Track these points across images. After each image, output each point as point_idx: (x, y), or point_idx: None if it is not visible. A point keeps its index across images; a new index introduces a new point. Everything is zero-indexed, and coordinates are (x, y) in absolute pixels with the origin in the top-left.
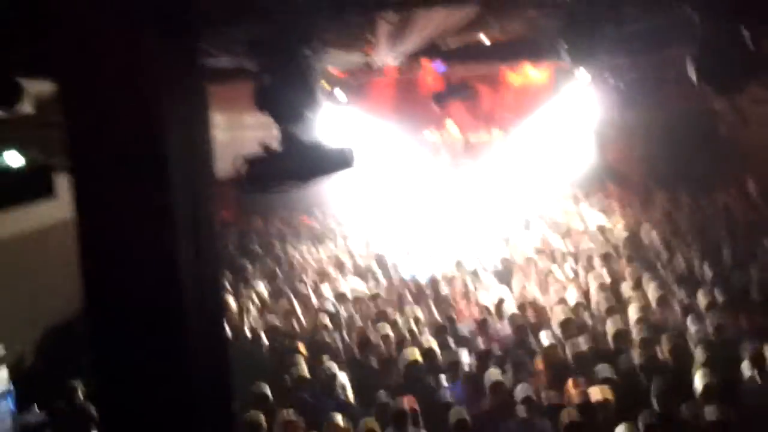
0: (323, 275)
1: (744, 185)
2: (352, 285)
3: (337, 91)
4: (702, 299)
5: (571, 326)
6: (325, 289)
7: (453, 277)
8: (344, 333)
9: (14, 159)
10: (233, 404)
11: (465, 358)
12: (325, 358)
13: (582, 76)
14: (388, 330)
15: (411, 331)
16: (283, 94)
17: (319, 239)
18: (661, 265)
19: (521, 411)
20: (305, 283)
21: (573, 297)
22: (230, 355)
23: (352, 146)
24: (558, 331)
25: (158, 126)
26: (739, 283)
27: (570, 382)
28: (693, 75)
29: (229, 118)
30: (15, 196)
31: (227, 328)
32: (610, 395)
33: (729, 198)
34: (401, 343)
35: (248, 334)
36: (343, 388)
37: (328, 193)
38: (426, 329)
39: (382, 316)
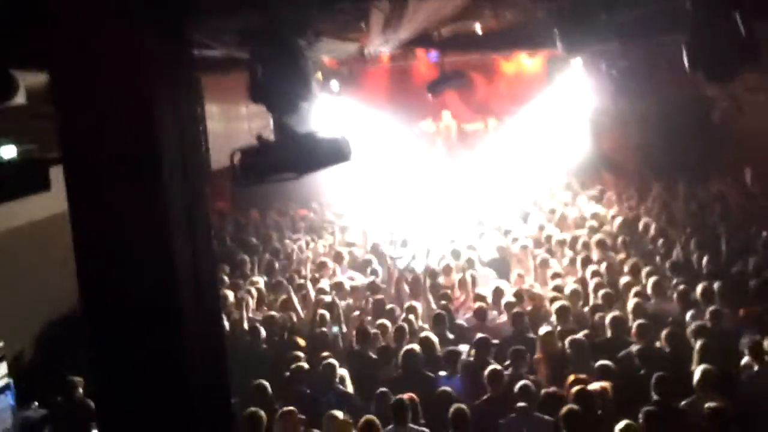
0: (321, 267)
1: (739, 173)
2: (350, 277)
3: (332, 81)
4: (699, 288)
5: (568, 316)
6: (324, 281)
7: (450, 267)
8: (343, 325)
9: (8, 151)
10: (231, 402)
11: (463, 348)
12: (324, 350)
13: (576, 64)
14: (386, 321)
15: (409, 321)
16: (277, 84)
17: (316, 231)
18: (657, 254)
19: (519, 401)
20: (304, 276)
21: (570, 286)
22: (229, 349)
23: (347, 137)
24: (555, 320)
25: (153, 125)
26: (736, 272)
27: (568, 374)
28: (685, 62)
29: (224, 108)
30: (9, 189)
31: (226, 323)
32: (608, 386)
33: (725, 186)
34: (399, 334)
35: (246, 327)
36: (343, 380)
37: (325, 184)
38: (424, 320)
39: (380, 308)
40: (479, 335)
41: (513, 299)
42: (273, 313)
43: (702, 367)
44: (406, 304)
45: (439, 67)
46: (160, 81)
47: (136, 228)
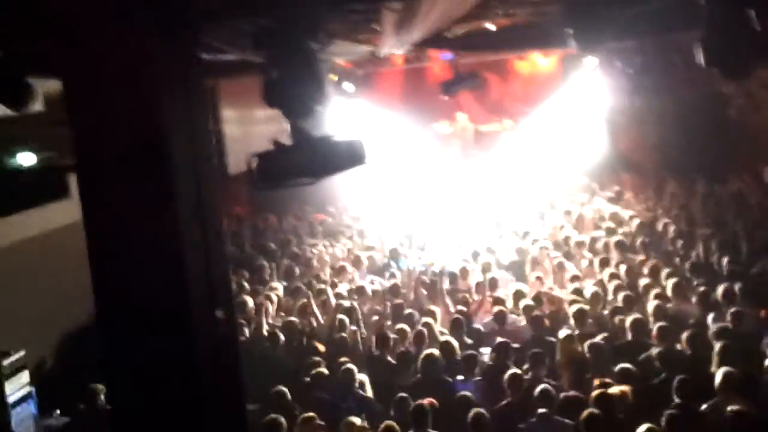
0: (340, 272)
1: (757, 170)
2: (368, 281)
3: (345, 83)
4: (720, 290)
5: (587, 319)
6: (342, 286)
7: (468, 270)
8: (362, 330)
9: (27, 159)
10: (245, 403)
11: (482, 352)
12: (344, 356)
13: (590, 62)
14: (405, 326)
15: (428, 326)
16: (292, 88)
17: (334, 235)
18: (677, 255)
19: (539, 406)
20: (323, 281)
21: (589, 289)
22: (246, 354)
23: (363, 140)
24: (575, 323)
25: (161, 126)
26: (756, 273)
27: (588, 377)
28: (700, 58)
29: (240, 112)
30: (30, 196)
31: (246, 330)
32: (629, 389)
33: (743, 184)
34: (419, 339)
35: (266, 333)
36: (362, 385)
37: (341, 188)
38: (443, 324)
39: (399, 312)
40: (498, 339)
41: (532, 302)
42: (292, 318)
43: (724, 369)
44: (425, 309)
45: (453, 67)
46: (167, 83)
47: (144, 227)
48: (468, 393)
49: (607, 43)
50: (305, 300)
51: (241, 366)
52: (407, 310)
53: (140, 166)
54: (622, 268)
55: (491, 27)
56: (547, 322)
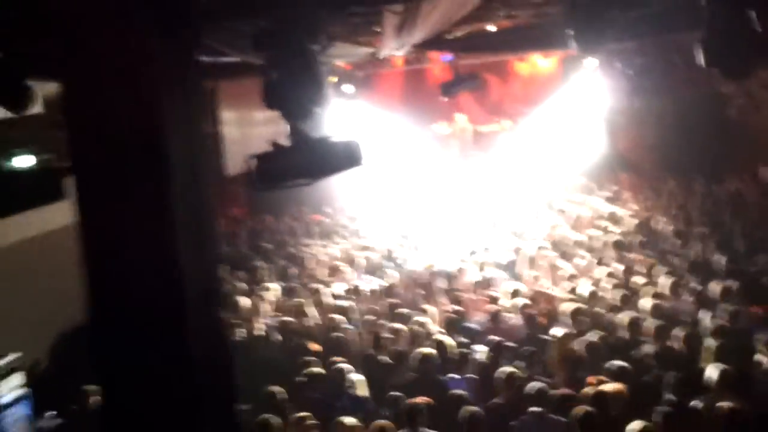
0: (335, 272)
1: (755, 171)
2: (364, 281)
3: (345, 84)
4: (715, 288)
5: (583, 317)
6: (338, 286)
7: (464, 269)
8: (357, 329)
9: (25, 161)
10: (237, 404)
11: (477, 351)
12: (339, 355)
13: (590, 63)
14: (400, 325)
15: (423, 325)
16: (291, 90)
17: (330, 236)
18: (674, 253)
19: (533, 404)
20: (318, 281)
21: (585, 288)
22: (241, 354)
23: (361, 141)
24: (570, 322)
25: (159, 126)
26: (755, 271)
27: (583, 375)
28: (701, 59)
29: (239, 114)
30: (26, 198)
31: (242, 330)
32: (623, 387)
33: (741, 184)
34: (413, 338)
35: (261, 333)
36: (356, 385)
37: (338, 189)
38: (438, 323)
39: (394, 312)
40: (493, 338)
41: (527, 301)
42: (288, 318)
43: (720, 367)
44: (420, 308)
45: (453, 69)
46: (167, 83)
47: (140, 228)
48: (462, 391)
49: (608, 45)
50: (300, 300)
51: (234, 366)
52: (402, 310)
53: (138, 166)
54: (619, 267)
55: (492, 28)
56: (541, 320)
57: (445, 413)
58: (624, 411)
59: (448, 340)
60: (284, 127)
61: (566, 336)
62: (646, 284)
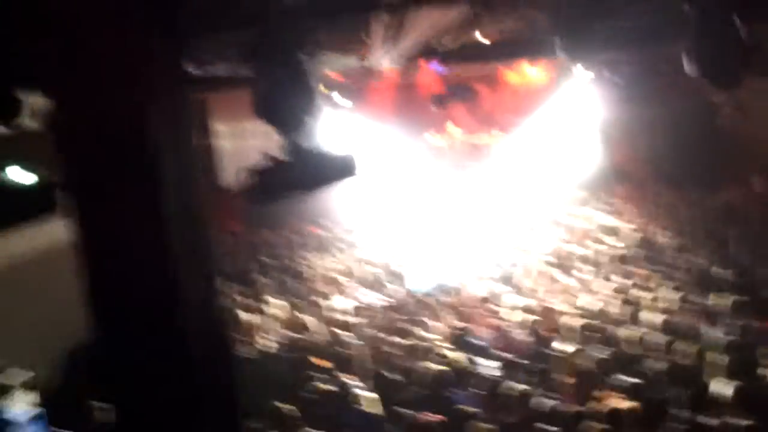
0: (334, 286)
1: (749, 181)
2: (363, 295)
3: (336, 95)
4: (720, 302)
5: (588, 332)
6: (337, 300)
7: (466, 284)
8: (359, 345)
9: (17, 175)
10: (238, 403)
11: (483, 367)
12: (341, 371)
13: (580, 73)
14: (404, 341)
15: (427, 341)
16: (282, 101)
17: (328, 249)
18: (676, 267)
19: (547, 422)
20: (317, 294)
21: (587, 301)
22: (243, 369)
23: (354, 152)
24: (576, 337)
25: (150, 129)
26: (758, 284)
27: (592, 392)
28: (689, 69)
29: (231, 126)
30: (21, 213)
31: (242, 345)
32: (633, 403)
33: (736, 195)
34: (417, 354)
35: (261, 349)
36: (368, 402)
37: (334, 201)
38: (442, 339)
39: (396, 327)
40: (499, 354)
41: (532, 316)
42: (288, 333)
43: (732, 383)
44: (423, 322)
45: (444, 79)
46: (164, 82)
47: (133, 228)
48: (470, 408)
49: (594, 54)
50: (300, 314)
51: (234, 367)
52: (404, 325)
53: (130, 169)
54: (624, 281)
55: (481, 37)
56: (546, 335)
57: (452, 430)
58: (634, 427)
59: (455, 356)
60: (277, 140)
61: (576, 352)
62: (648, 299)
